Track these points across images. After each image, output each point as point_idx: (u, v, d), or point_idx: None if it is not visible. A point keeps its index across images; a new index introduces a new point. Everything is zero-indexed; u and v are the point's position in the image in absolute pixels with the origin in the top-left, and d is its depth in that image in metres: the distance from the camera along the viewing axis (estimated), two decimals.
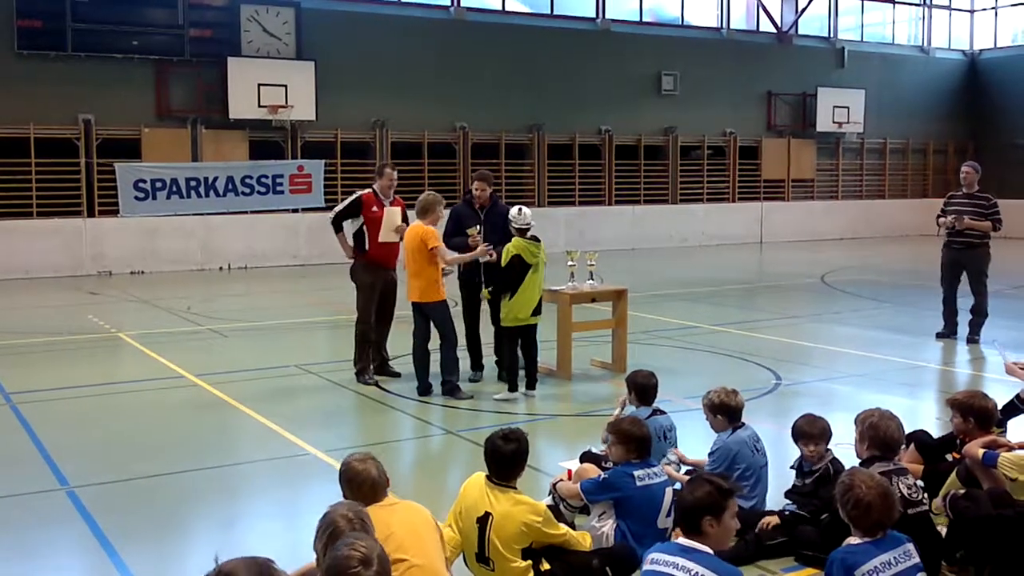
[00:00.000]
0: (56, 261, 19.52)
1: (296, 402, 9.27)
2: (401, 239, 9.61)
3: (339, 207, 9.84)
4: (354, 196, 9.85)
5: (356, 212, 9.70)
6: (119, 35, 20.18)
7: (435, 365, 9.19)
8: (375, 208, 9.67)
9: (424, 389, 9.16)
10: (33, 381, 9.97)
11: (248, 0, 21.43)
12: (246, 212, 20.37)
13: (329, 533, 3.72)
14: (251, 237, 21.20)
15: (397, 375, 9.78)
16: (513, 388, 9.00)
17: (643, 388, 6.54)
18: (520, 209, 8.97)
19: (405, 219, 9.70)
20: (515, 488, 4.91)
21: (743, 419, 6.01)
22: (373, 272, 9.80)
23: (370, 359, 9.85)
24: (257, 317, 14.28)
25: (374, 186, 9.87)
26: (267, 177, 20.61)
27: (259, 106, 21.02)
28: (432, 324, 9.08)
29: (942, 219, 11.79)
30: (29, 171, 19.54)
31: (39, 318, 14.65)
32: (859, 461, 5.20)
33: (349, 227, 9.85)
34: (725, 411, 5.93)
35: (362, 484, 4.42)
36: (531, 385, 9.15)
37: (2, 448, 7.70)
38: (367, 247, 9.73)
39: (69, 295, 16.95)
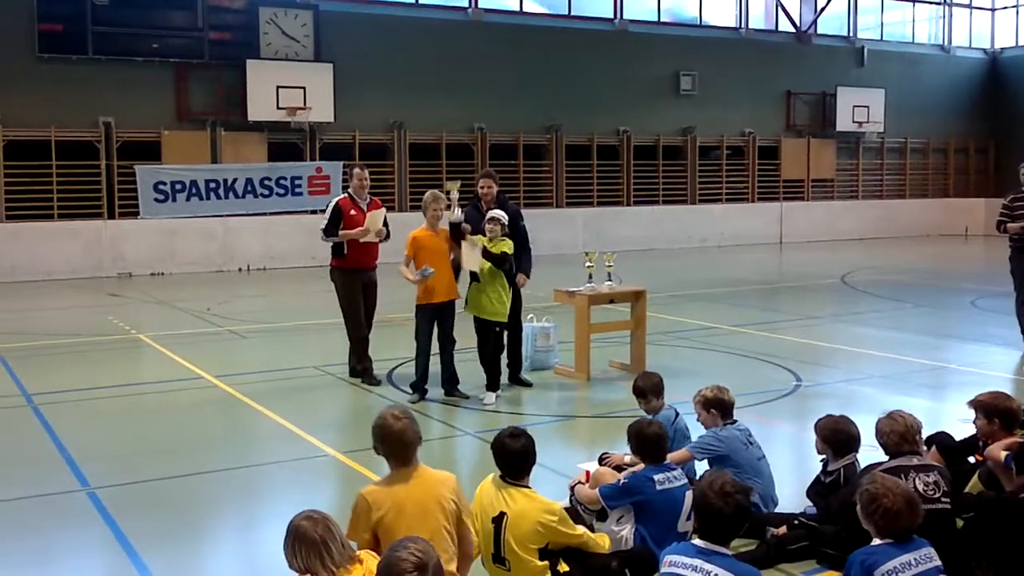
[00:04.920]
0: (76, 263, 19.64)
1: (315, 403, 9.28)
2: (382, 240, 9.73)
3: (323, 223, 9.79)
4: (332, 205, 9.83)
5: (339, 219, 9.69)
6: (139, 38, 20.31)
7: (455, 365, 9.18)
8: (353, 212, 9.69)
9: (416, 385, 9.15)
10: (54, 382, 10.02)
11: (267, 3, 21.52)
12: (265, 213, 20.47)
13: (293, 538, 3.72)
14: (270, 238, 21.27)
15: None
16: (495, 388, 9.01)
17: (657, 388, 6.55)
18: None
19: (385, 222, 9.74)
20: (529, 487, 4.91)
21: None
22: (352, 275, 9.79)
23: (370, 358, 9.85)
24: (276, 318, 14.32)
25: (348, 190, 9.89)
26: (286, 179, 20.70)
27: (278, 108, 21.10)
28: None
29: (1012, 225, 11.07)
30: (50, 174, 19.67)
31: (59, 320, 14.73)
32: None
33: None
34: (719, 406, 5.98)
35: (395, 441, 4.50)
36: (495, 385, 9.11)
37: (23, 449, 7.75)
38: (345, 251, 9.73)
39: (89, 297, 17.05)
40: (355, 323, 9.82)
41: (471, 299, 8.92)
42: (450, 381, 9.13)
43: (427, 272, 8.73)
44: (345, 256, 9.75)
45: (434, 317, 9.01)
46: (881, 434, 5.27)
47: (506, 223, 8.86)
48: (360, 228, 9.58)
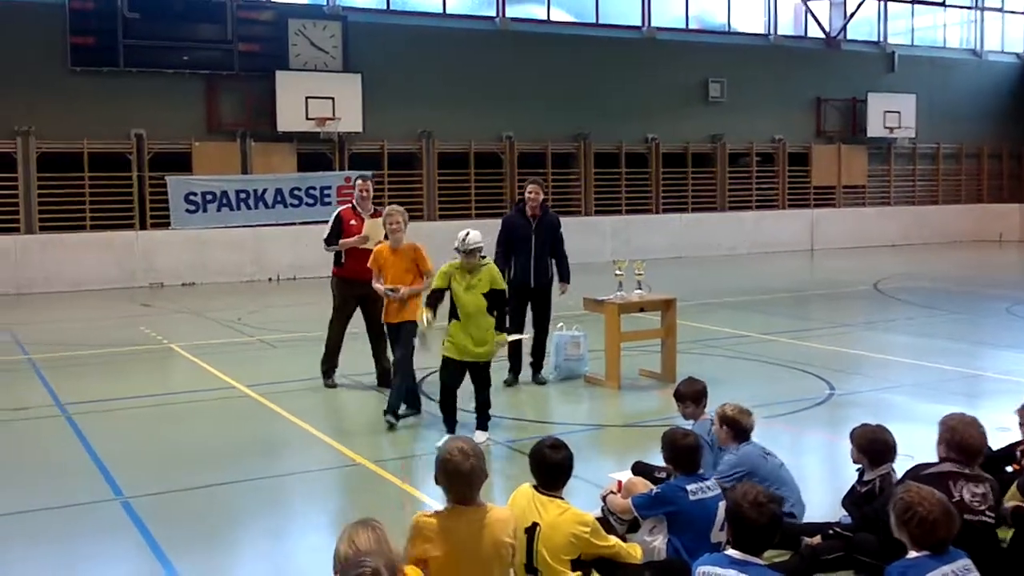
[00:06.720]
0: (109, 273, 19.79)
1: (345, 412, 9.31)
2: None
3: (326, 232, 9.97)
4: (334, 215, 10.04)
5: (339, 228, 9.82)
6: (170, 51, 20.48)
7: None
8: (353, 222, 9.83)
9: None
10: (87, 392, 10.11)
11: (296, 14, 21.68)
12: (295, 223, 20.62)
13: (348, 535, 3.70)
14: (300, 248, 21.28)
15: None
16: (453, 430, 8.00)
17: (698, 395, 6.50)
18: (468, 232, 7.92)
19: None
20: (562, 498, 4.89)
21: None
22: (349, 286, 9.89)
23: (333, 364, 10.09)
24: (306, 328, 14.34)
25: (353, 200, 10.02)
26: (315, 188, 20.92)
27: (307, 119, 21.20)
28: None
29: None
30: (82, 185, 19.87)
31: (92, 330, 14.85)
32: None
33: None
34: (733, 426, 5.96)
35: (463, 482, 4.30)
36: (483, 426, 8.10)
37: (57, 458, 7.81)
38: (343, 261, 9.88)
39: (121, 307, 17.18)
40: (334, 333, 10.07)
41: (455, 342, 7.79)
42: (383, 377, 9.46)
43: (391, 293, 8.59)
44: (342, 265, 9.94)
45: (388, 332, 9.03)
46: (966, 442, 5.13)
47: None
48: (358, 236, 9.67)
